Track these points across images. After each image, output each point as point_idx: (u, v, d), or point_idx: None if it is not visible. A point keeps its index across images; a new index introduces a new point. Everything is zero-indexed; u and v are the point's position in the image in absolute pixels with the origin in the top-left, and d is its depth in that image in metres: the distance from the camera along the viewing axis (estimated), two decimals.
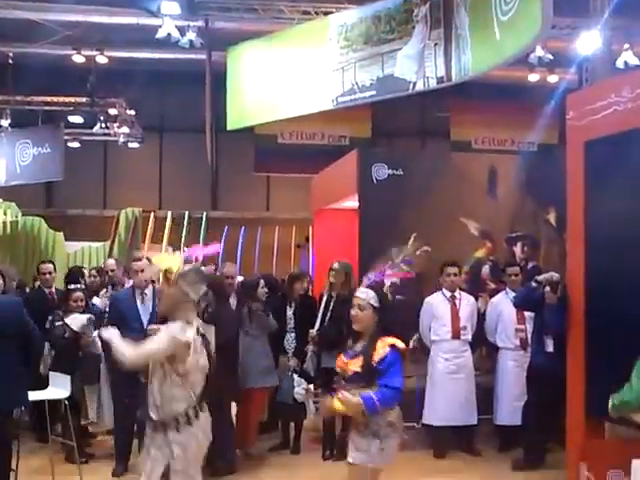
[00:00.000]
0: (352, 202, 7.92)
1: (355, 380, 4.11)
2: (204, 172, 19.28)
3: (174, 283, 4.03)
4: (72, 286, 7.17)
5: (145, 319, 6.34)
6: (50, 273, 7.99)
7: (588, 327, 6.16)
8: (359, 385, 4.09)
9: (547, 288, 6.49)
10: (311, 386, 7.09)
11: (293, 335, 7.38)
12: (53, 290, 7.98)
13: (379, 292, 4.38)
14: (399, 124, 20.05)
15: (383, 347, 4.13)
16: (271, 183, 21.29)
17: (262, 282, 7.24)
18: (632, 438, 5.80)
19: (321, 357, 7.18)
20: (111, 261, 9.11)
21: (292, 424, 7.47)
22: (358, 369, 4.11)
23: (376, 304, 4.27)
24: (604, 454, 5.81)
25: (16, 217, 15.12)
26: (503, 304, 7.36)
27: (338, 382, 4.25)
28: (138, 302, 6.43)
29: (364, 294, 4.29)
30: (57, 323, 6.73)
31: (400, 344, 4.21)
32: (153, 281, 6.65)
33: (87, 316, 6.72)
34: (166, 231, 15.68)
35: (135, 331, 5.68)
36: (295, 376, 7.23)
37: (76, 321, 6.65)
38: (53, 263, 8.27)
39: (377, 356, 4.09)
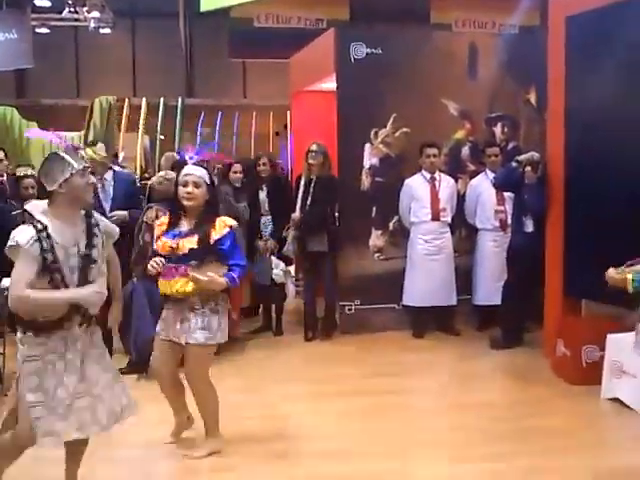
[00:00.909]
0: (330, 83, 7.73)
1: (188, 258, 4.08)
2: (178, 58, 18.79)
3: None
4: (21, 172, 6.87)
5: (107, 205, 6.27)
6: (1, 161, 7.51)
7: (567, 207, 6.18)
8: (190, 263, 4.08)
9: (527, 168, 6.47)
10: (290, 268, 7.11)
11: (269, 218, 7.34)
12: (4, 179, 7.52)
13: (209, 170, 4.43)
14: (378, 7, 19.49)
15: (223, 227, 4.16)
16: (248, 70, 20.84)
17: (236, 167, 7.13)
18: (608, 315, 5.92)
19: (307, 241, 7.15)
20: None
21: (273, 307, 7.53)
22: (194, 246, 4.07)
23: (208, 181, 4.24)
24: (580, 331, 5.94)
25: None
26: (483, 185, 7.33)
27: (163, 262, 4.09)
28: (98, 188, 6.28)
29: (198, 171, 4.23)
30: (15, 212, 6.49)
31: (235, 223, 4.27)
32: (110, 166, 6.55)
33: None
34: (141, 119, 15.36)
35: None
36: (273, 258, 7.25)
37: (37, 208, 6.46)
38: (3, 150, 7.75)
39: (217, 235, 4.12)
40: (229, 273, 4.12)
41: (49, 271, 3.31)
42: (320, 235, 7.11)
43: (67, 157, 3.46)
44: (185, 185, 4.17)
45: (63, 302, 3.37)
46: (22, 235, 3.30)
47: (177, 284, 4.09)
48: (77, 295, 3.39)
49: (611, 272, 4.75)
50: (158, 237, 4.22)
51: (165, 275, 4.12)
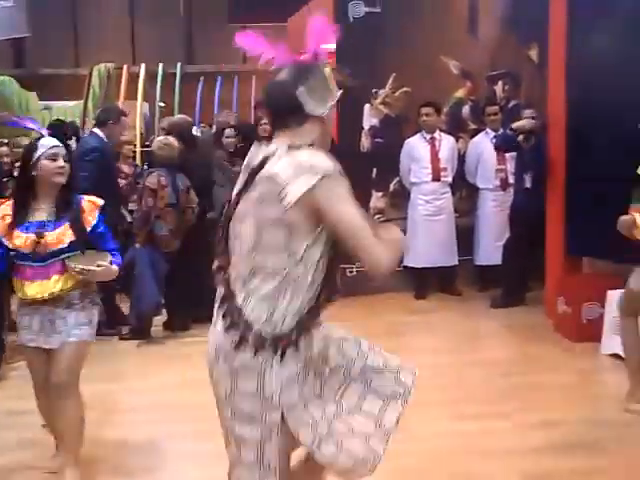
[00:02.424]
0: (330, 44, 7.63)
1: (64, 252, 3.39)
2: (177, 25, 18.61)
3: None
4: None
5: None
6: None
7: (568, 165, 6.13)
8: (68, 256, 3.40)
9: (520, 137, 6.44)
10: None
11: None
12: None
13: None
14: None
15: (94, 208, 3.52)
16: None
17: (228, 131, 7.06)
18: (608, 272, 5.91)
19: None
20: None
21: None
22: (73, 238, 3.40)
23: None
24: (580, 288, 5.93)
25: None
26: (483, 144, 7.27)
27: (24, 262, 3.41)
28: None
29: (58, 142, 3.54)
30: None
31: (99, 201, 3.59)
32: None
33: None
34: (140, 86, 15.22)
35: None
36: None
37: None
38: None
39: (93, 219, 3.48)
40: (114, 260, 3.49)
41: None
42: None
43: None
44: (55, 159, 3.42)
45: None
46: (323, 160, 2.24)
47: (56, 284, 3.40)
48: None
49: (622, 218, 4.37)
50: (7, 233, 3.40)
51: (32, 277, 3.39)
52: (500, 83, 7.69)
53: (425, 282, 7.40)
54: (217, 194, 6.58)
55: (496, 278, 7.27)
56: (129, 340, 6.09)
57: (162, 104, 15.60)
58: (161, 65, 16.39)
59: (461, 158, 7.43)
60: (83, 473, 3.56)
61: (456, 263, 7.36)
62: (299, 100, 2.29)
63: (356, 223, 2.21)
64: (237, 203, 2.33)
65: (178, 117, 7.64)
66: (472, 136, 7.53)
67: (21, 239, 3.37)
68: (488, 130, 7.27)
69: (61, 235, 3.38)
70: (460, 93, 7.65)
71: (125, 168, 7.74)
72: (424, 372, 5.09)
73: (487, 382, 4.95)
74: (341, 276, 7.82)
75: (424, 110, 7.08)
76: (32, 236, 3.36)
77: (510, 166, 7.09)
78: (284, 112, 2.32)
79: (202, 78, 16.56)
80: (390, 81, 7.38)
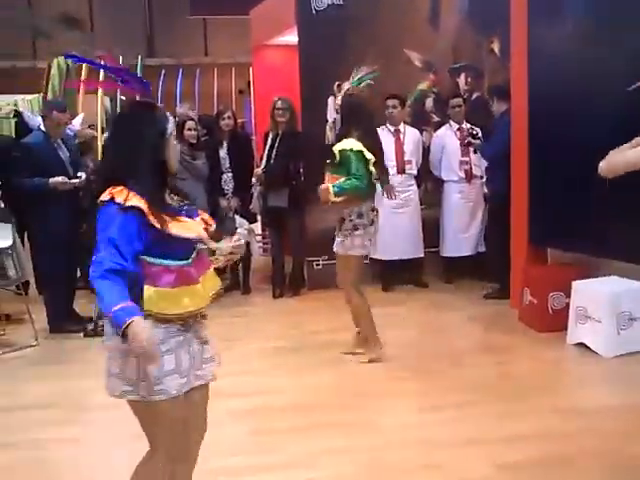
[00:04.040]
0: (292, 37, 7.60)
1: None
2: (138, 17, 18.38)
3: None
4: None
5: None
6: None
7: (531, 156, 6.17)
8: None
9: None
10: (253, 225, 7.06)
11: (230, 175, 7.21)
12: None
13: None
14: None
15: None
16: (209, 27, 20.47)
17: (189, 124, 7.00)
18: (572, 263, 5.98)
19: (268, 196, 7.11)
20: None
21: (240, 266, 7.47)
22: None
23: None
24: (546, 278, 5.99)
25: None
26: (447, 137, 7.31)
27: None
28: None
29: None
30: None
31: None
32: None
33: None
34: (101, 79, 14.97)
35: None
36: (237, 217, 7.17)
37: None
38: None
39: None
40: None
41: None
42: (281, 191, 7.05)
43: None
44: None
45: None
46: None
47: (213, 281, 2.68)
48: None
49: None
50: (163, 221, 2.42)
51: (196, 279, 2.54)
52: (463, 75, 7.72)
53: (392, 274, 7.42)
54: (179, 187, 6.51)
55: (462, 269, 7.32)
56: (94, 337, 6.02)
57: (123, 97, 15.39)
58: (121, 58, 16.15)
59: (426, 151, 7.44)
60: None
61: (422, 255, 7.39)
62: None
63: None
64: None
65: None
66: (435, 128, 7.55)
67: (191, 225, 2.56)
68: (451, 122, 7.30)
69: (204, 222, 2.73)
70: (423, 85, 7.67)
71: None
72: (391, 364, 5.18)
73: (454, 373, 4.98)
74: (307, 270, 7.91)
75: (390, 102, 7.07)
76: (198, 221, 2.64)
77: (474, 158, 7.15)
78: None
79: (163, 71, 16.38)
80: (353, 74, 7.35)
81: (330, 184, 5.02)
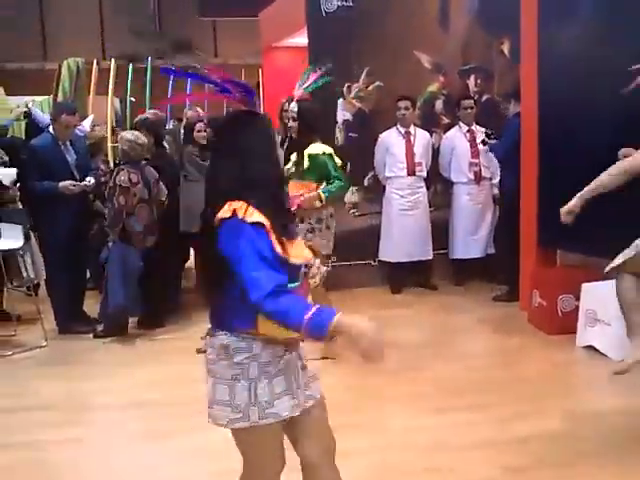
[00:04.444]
0: (301, 38, 7.60)
1: None
2: (147, 19, 18.44)
3: None
4: None
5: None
6: None
7: (541, 157, 6.15)
8: None
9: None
10: None
11: None
12: None
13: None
14: None
15: None
16: (218, 29, 20.49)
17: (199, 125, 7.01)
18: (582, 265, 5.95)
19: None
20: None
21: None
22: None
23: None
24: (555, 281, 5.96)
25: None
26: (457, 138, 7.29)
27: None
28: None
29: None
30: None
31: None
32: None
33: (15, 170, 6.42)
34: (111, 81, 15.05)
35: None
36: None
37: (6, 176, 6.35)
38: None
39: None
40: None
41: None
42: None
43: None
44: None
45: None
46: None
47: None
48: None
49: None
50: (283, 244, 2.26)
51: (305, 290, 2.43)
52: (473, 77, 7.70)
53: (400, 276, 7.40)
54: (190, 189, 6.55)
55: (471, 272, 7.30)
56: (103, 338, 6.04)
57: (132, 99, 15.45)
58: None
59: (435, 152, 7.43)
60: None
61: (431, 257, 7.37)
62: None
63: None
64: None
65: (149, 112, 7.57)
66: (445, 130, 7.54)
67: (301, 247, 2.42)
68: (461, 124, 7.28)
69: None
70: (433, 87, 7.65)
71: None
72: (400, 366, 5.16)
73: (463, 375, 4.96)
74: None
75: (402, 104, 7.05)
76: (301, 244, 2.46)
77: (483, 160, 7.14)
78: None
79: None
80: (363, 75, 7.36)
81: (320, 190, 5.09)
